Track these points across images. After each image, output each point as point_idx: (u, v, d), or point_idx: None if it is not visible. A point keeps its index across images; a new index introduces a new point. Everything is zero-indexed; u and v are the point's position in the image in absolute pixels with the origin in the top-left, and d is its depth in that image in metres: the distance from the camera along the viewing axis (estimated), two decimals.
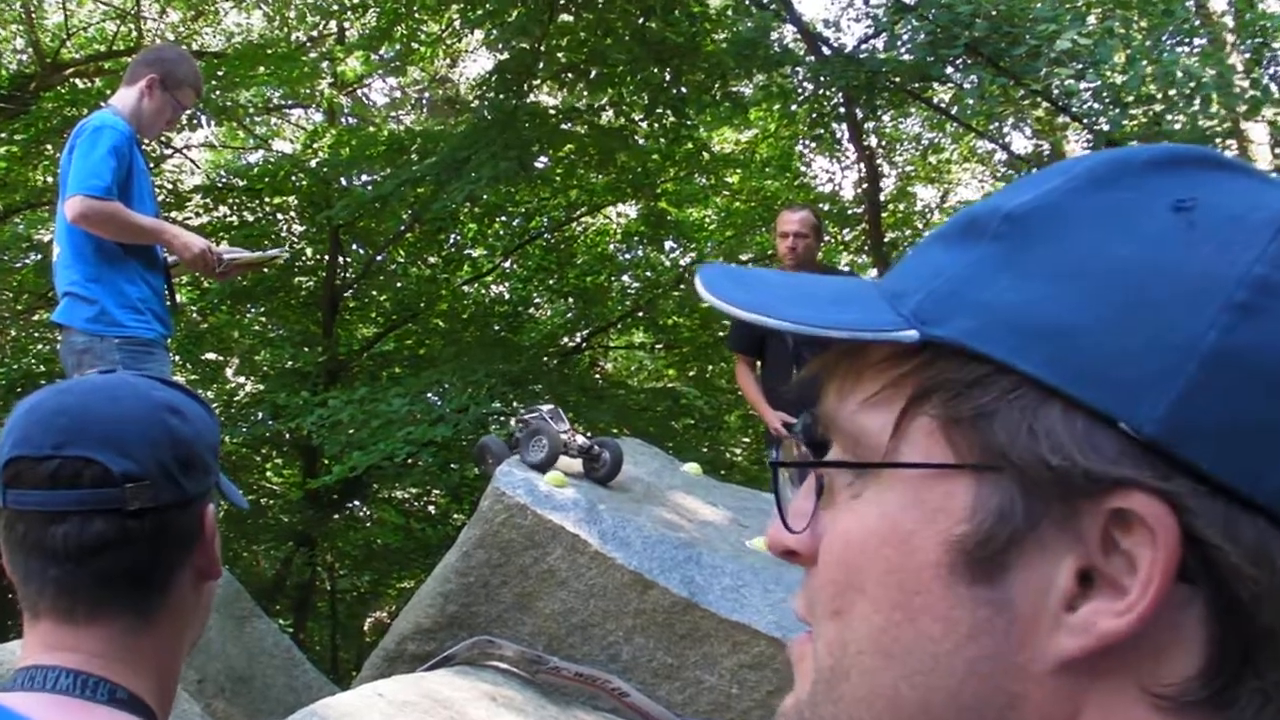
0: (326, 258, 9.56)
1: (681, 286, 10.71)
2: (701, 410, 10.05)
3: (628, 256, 10.93)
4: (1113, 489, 0.36)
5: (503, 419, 7.27)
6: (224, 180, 9.86)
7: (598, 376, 10.94)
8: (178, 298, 3.82)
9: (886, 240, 10.15)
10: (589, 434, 3.02)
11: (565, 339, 10.55)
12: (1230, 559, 0.35)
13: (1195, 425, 0.36)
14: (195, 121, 8.80)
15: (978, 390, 0.38)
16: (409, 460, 7.16)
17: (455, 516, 10.20)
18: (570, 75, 7.88)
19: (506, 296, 10.56)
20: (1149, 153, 0.41)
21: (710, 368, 10.45)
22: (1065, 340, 0.37)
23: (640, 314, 10.50)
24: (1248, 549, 0.35)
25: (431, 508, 10.66)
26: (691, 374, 10.78)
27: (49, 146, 8.27)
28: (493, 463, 2.93)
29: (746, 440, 11.06)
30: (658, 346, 11.09)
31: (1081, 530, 0.37)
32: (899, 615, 0.39)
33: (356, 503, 10.31)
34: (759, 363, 4.52)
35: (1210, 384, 0.36)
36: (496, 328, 9.88)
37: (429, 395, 7.49)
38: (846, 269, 9.46)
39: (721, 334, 9.47)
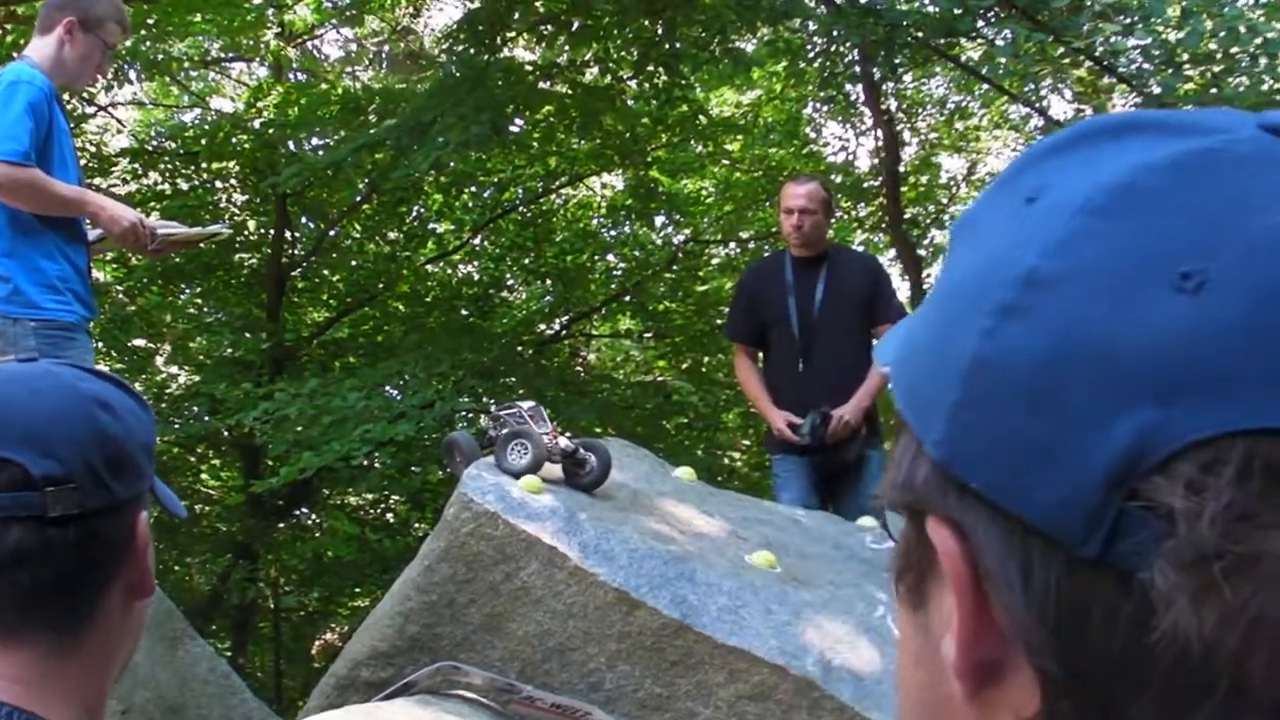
0: (272, 232, 9.53)
1: (674, 268, 10.74)
2: (696, 407, 10.08)
3: (614, 233, 10.94)
4: (927, 517, 0.40)
5: (472, 417, 7.28)
6: (155, 143, 9.82)
7: (579, 369, 10.97)
8: (96, 274, 3.81)
9: (906, 216, 10.19)
10: (570, 435, 3.03)
11: (542, 326, 10.56)
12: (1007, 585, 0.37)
13: (965, 444, 0.38)
14: (122, 76, 8.74)
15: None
16: (365, 462, 7.18)
17: (417, 526, 10.19)
18: (549, 27, 7.86)
19: (476, 277, 10.57)
20: (1070, 131, 0.42)
21: (706, 359, 10.48)
22: (908, 364, 0.42)
23: (627, 298, 10.52)
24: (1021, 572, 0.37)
25: (390, 516, 10.68)
26: (685, 367, 10.81)
27: None
28: (461, 462, 2.93)
29: (746, 443, 11.09)
30: (647, 335, 11.11)
31: None
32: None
33: (304, 510, 10.31)
34: (761, 354, 4.60)
35: (971, 399, 0.38)
36: (465, 312, 9.88)
37: (388, 389, 7.50)
38: (860, 249, 9.51)
39: (719, 321, 9.51)
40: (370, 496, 10.53)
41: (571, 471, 2.95)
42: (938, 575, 0.41)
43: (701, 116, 9.47)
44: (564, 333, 10.87)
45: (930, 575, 0.42)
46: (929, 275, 10.20)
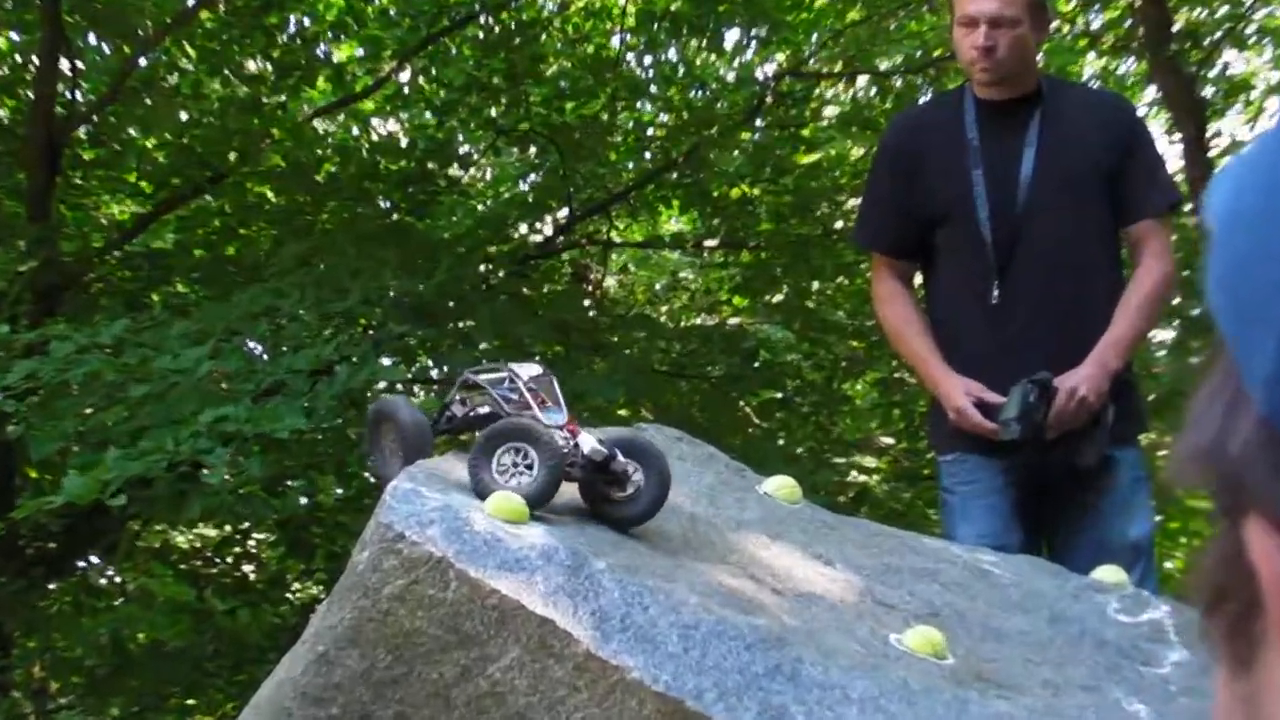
0: (35, 62, 9.54)
1: (758, 123, 10.69)
2: (798, 372, 10.08)
3: (649, 63, 10.91)
4: (1247, 513, 0.44)
5: (402, 391, 7.29)
6: None
7: (588, 304, 10.96)
8: None
9: (1175, 29, 10.04)
10: (595, 428, 3.03)
11: (524, 228, 10.56)
12: None
13: None
14: None
15: None
16: (208, 471, 7.20)
17: (299, 586, 10.27)
18: None
19: (406, 143, 10.56)
20: None
21: (816, 288, 10.49)
22: (1234, 237, 0.45)
23: (674, 176, 10.49)
24: None
25: (250, 569, 10.79)
26: (777, 300, 10.85)
27: None
28: (395, 454, 2.96)
29: (888, 438, 11.09)
30: (708, 245, 11.10)
31: None
32: None
33: (95, 560, 10.39)
34: (921, 275, 4.67)
35: None
36: (386, 204, 9.90)
37: (249, 342, 7.52)
38: (1097, 85, 9.36)
39: (842, 219, 9.47)
40: (214, 533, 10.61)
41: (602, 494, 2.94)
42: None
43: None
44: (561, 240, 10.86)
45: (1259, 611, 0.43)
46: (1216, 132, 10.09)
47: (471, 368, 3.12)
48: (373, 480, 9.62)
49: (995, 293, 4.36)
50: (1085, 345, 4.27)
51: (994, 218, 4.37)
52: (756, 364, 9.95)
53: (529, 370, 3.03)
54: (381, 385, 7.41)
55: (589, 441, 2.91)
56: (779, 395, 10.03)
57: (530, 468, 2.86)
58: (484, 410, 2.99)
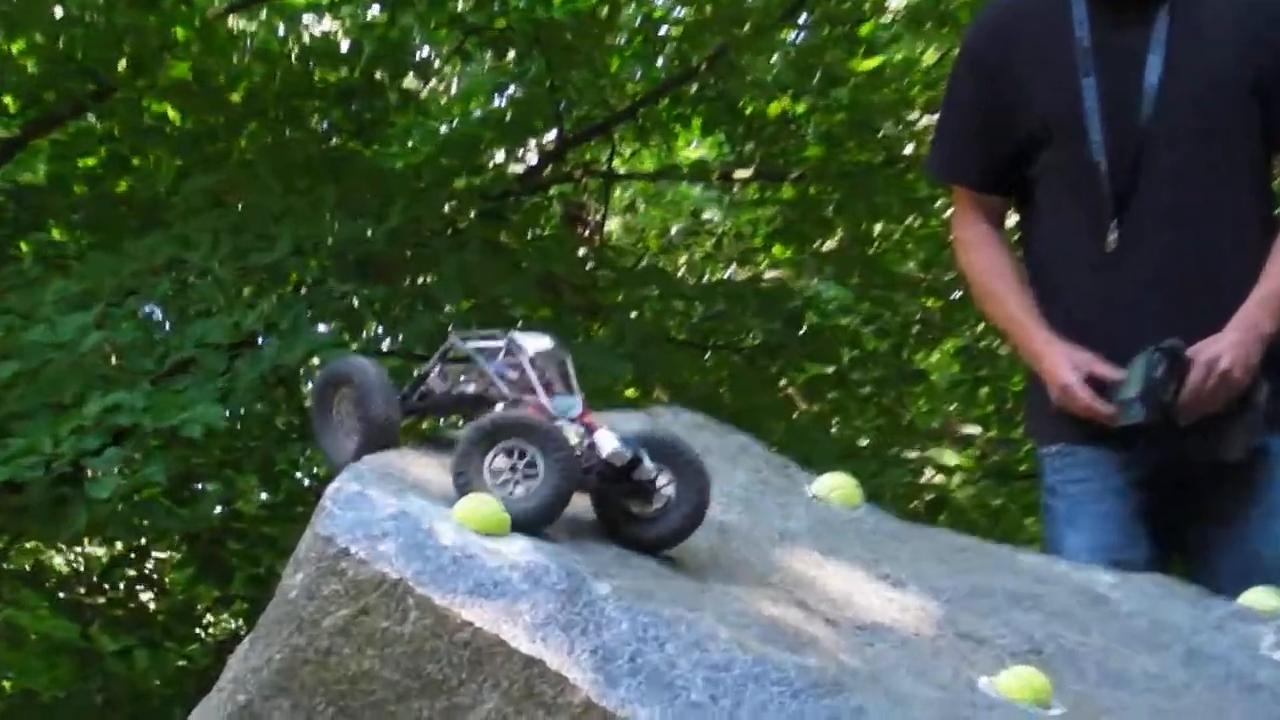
0: None
1: (802, 19, 10.66)
2: (858, 340, 10.08)
3: None
4: None
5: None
6: None
7: (585, 254, 10.95)
8: None
9: None
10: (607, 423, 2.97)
11: (500, 155, 10.56)
12: None
13: None
14: None
15: None
16: (94, 474, 7.18)
17: (214, 619, 10.29)
18: None
19: (347, 45, 10.56)
20: None
21: (880, 233, 10.50)
22: None
23: (693, 86, 10.47)
24: None
25: (149, 597, 10.84)
26: (829, 248, 10.83)
27: None
28: (350, 427, 2.95)
29: (973, 428, 11.11)
30: (740, 175, 11.08)
31: None
32: None
33: None
34: (1017, 212, 4.67)
35: None
36: (324, 125, 9.90)
37: (146, 306, 7.51)
38: None
39: (915, 142, 9.46)
40: (102, 552, 10.63)
41: (621, 508, 2.91)
42: None
43: None
44: (548, 171, 10.86)
45: None
46: None
47: (461, 333, 3.06)
48: (307, 482, 9.64)
49: (1112, 236, 4.32)
50: (1227, 304, 4.24)
51: (1110, 139, 4.33)
52: (802, 330, 9.88)
53: (536, 343, 2.97)
54: (318, 362, 7.38)
55: (609, 440, 2.84)
56: (831, 370, 9.97)
57: (533, 473, 2.79)
58: (471, 389, 2.95)
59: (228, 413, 6.82)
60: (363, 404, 2.96)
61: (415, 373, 3.12)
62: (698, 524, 2.93)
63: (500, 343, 2.97)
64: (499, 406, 2.93)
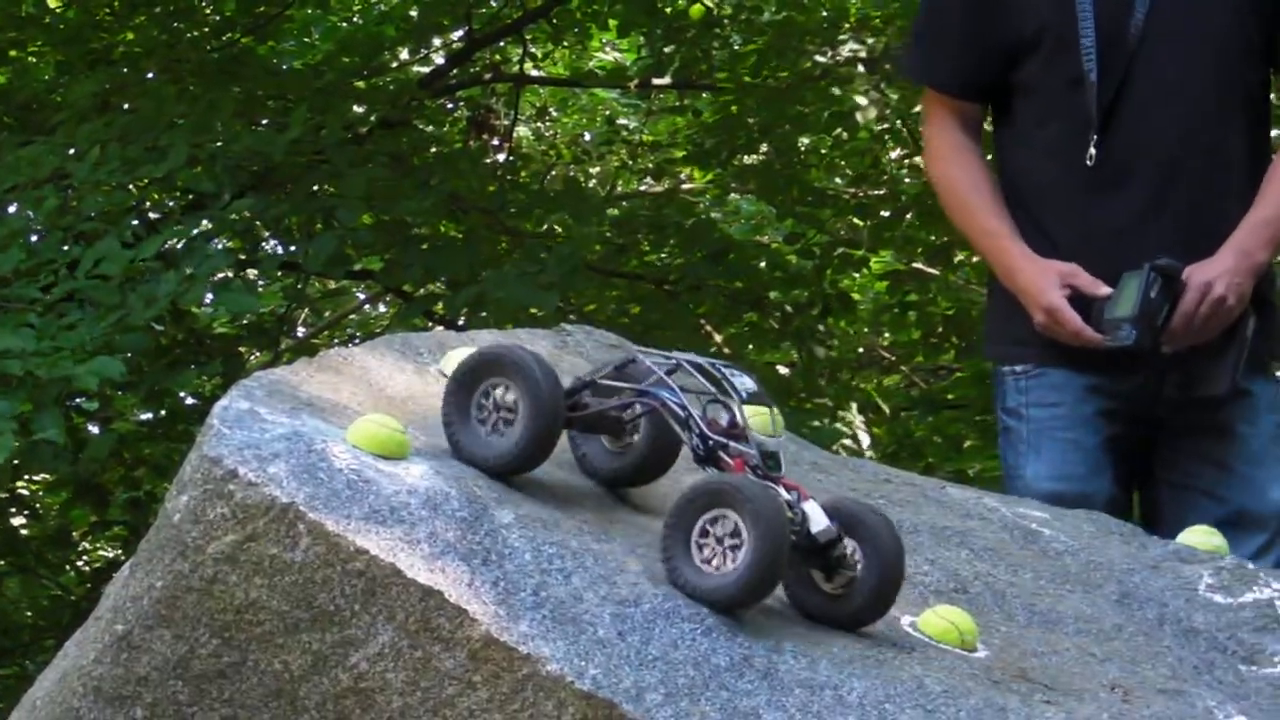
0: None
1: None
2: (779, 260, 10.09)
3: None
4: None
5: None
6: None
7: (493, 162, 10.91)
8: None
9: None
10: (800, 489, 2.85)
11: (405, 54, 10.50)
12: None
13: None
14: None
15: None
16: None
17: (90, 546, 10.27)
18: None
19: None
20: None
21: (804, 144, 10.48)
22: None
23: None
24: None
25: (20, 521, 10.86)
26: (750, 159, 10.77)
27: None
28: (501, 421, 2.84)
29: (890, 354, 11.15)
30: (657, 81, 11.06)
31: None
32: None
33: None
34: (994, 125, 4.67)
35: None
36: (217, 18, 9.79)
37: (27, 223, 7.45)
38: None
39: (887, 35, 9.45)
40: None
41: (806, 581, 2.82)
42: None
43: None
44: (455, 72, 10.81)
45: None
46: None
47: (644, 348, 2.96)
48: (190, 400, 9.57)
49: (1092, 150, 4.31)
50: (1219, 227, 4.23)
51: (1102, 47, 4.32)
52: (722, 263, 9.84)
53: (744, 383, 2.83)
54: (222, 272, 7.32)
55: (819, 517, 2.74)
56: (741, 285, 9.88)
57: (738, 546, 2.66)
58: (637, 411, 2.86)
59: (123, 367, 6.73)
60: (530, 405, 2.83)
61: (579, 379, 2.98)
62: (884, 612, 2.81)
63: (677, 365, 2.87)
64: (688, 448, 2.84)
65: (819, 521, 2.72)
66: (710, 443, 2.77)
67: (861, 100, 10.20)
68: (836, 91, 10.20)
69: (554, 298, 8.03)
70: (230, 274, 7.73)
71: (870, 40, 10.27)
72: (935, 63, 4.66)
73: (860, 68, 10.25)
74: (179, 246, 6.97)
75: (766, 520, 2.60)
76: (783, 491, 2.73)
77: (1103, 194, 4.23)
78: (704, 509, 2.67)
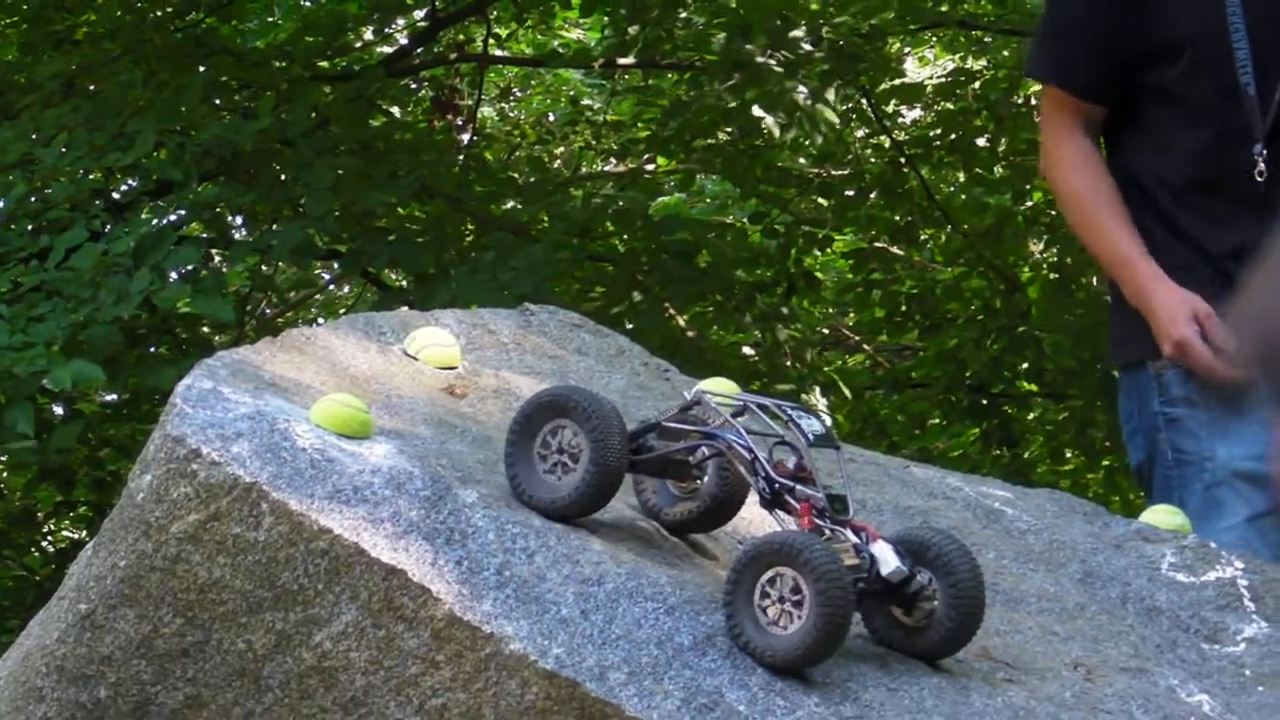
0: None
1: None
2: (745, 241, 10.08)
3: None
4: None
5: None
6: None
7: (458, 149, 10.88)
8: None
9: None
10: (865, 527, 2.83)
11: (369, 33, 10.49)
12: None
13: None
14: None
15: None
16: None
17: (54, 526, 10.25)
18: None
19: None
20: None
21: (769, 123, 10.48)
22: None
23: None
24: None
25: None
26: (710, 141, 10.80)
27: None
28: (565, 464, 2.80)
29: (854, 333, 11.17)
30: (622, 62, 11.04)
31: None
32: None
33: None
34: (1108, 128, 4.58)
35: None
36: None
37: None
38: None
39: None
40: None
41: (885, 615, 2.79)
42: None
43: None
44: (419, 52, 10.79)
45: None
46: None
47: (709, 390, 2.98)
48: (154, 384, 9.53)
49: (1261, 166, 4.24)
50: None
51: (1259, 59, 4.28)
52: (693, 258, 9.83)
53: (812, 425, 2.82)
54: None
55: (889, 558, 2.70)
56: (704, 265, 9.86)
57: (800, 603, 2.63)
58: (704, 455, 2.83)
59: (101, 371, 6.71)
60: (597, 447, 2.80)
61: (644, 422, 2.96)
62: (965, 643, 2.79)
63: (744, 407, 2.88)
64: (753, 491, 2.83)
65: (888, 563, 2.69)
66: (776, 486, 2.75)
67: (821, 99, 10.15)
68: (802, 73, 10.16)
69: (528, 287, 7.94)
70: (198, 264, 7.69)
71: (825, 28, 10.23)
72: (1069, 64, 4.54)
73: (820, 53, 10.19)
74: (148, 236, 6.92)
75: (826, 578, 2.57)
76: (850, 535, 2.71)
77: (1267, 210, 4.10)
78: (764, 568, 2.64)
